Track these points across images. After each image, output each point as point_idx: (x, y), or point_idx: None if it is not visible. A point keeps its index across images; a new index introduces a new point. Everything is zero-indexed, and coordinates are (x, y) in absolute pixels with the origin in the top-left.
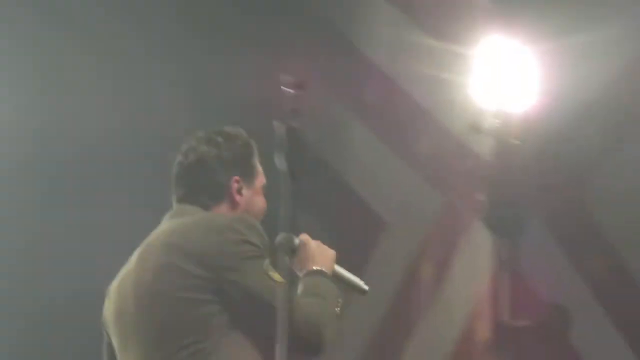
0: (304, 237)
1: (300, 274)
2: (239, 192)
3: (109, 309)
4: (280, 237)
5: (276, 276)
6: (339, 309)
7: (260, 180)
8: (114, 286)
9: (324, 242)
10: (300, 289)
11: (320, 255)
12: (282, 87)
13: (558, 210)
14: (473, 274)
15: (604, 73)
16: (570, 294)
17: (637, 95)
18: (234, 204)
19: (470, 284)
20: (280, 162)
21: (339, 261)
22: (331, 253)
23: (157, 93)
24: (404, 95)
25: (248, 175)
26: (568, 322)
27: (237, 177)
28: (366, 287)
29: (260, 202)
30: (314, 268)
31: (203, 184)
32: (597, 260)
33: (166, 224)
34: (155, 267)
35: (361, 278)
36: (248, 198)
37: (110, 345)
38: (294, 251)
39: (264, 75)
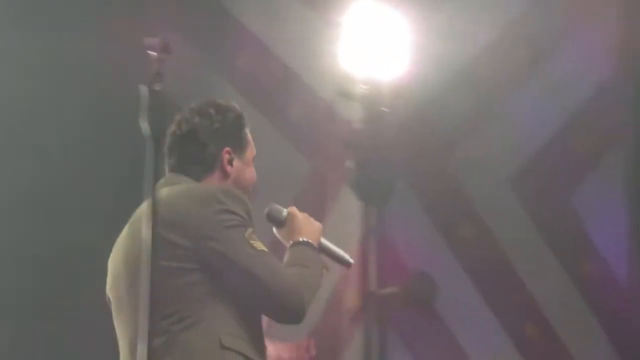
0: (292, 209)
1: (287, 245)
2: (230, 163)
3: (108, 278)
4: (268, 209)
5: (258, 244)
6: (319, 279)
7: (251, 151)
8: (112, 255)
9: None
10: (286, 258)
11: (307, 227)
12: (146, 50)
13: (425, 177)
14: (340, 240)
15: (475, 40)
16: (436, 260)
17: (507, 62)
18: (225, 175)
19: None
20: (144, 125)
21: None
22: (317, 226)
23: (20, 62)
24: (274, 60)
25: (239, 146)
26: (433, 289)
27: (228, 149)
28: (351, 260)
29: (250, 174)
30: (301, 239)
31: (194, 155)
32: (463, 227)
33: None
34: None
35: None
36: (239, 169)
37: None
38: (281, 222)
39: (130, 39)
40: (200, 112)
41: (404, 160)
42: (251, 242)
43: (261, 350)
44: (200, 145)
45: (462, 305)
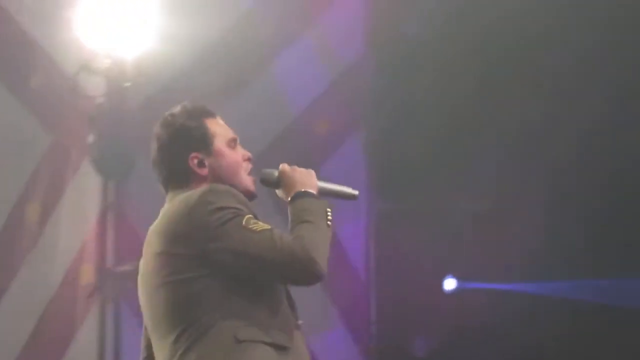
0: (282, 166)
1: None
2: (201, 165)
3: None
4: (260, 175)
5: (258, 226)
6: (330, 221)
7: (221, 139)
8: None
9: None
10: (290, 217)
11: (300, 177)
12: None
13: None
14: (79, 216)
15: (222, 21)
16: None
17: (252, 44)
18: (202, 179)
19: (76, 226)
20: None
21: None
22: (309, 172)
23: None
24: (17, 29)
25: (202, 145)
26: None
27: (193, 154)
28: (356, 192)
29: (227, 163)
30: (296, 191)
31: (170, 172)
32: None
33: (161, 212)
34: (153, 256)
35: None
36: (214, 165)
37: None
38: (276, 183)
39: None
40: (162, 124)
41: (146, 137)
42: (250, 227)
43: (284, 331)
44: (169, 162)
45: None
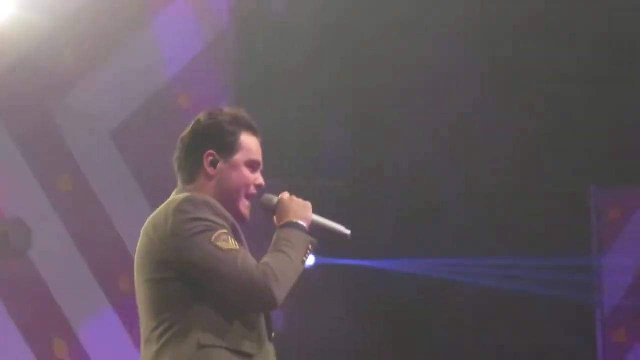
0: (283, 195)
1: None
2: (213, 165)
3: None
4: (261, 199)
5: (226, 244)
6: (307, 257)
7: (244, 156)
8: None
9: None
10: (272, 244)
11: (295, 207)
12: None
13: (27, 124)
14: None
15: None
16: (34, 209)
17: (111, 20)
18: (208, 177)
19: None
20: None
21: None
22: (306, 205)
23: None
24: None
25: (226, 148)
26: (28, 238)
27: (210, 151)
28: (347, 232)
29: (236, 177)
30: (286, 221)
31: (183, 161)
32: (62, 178)
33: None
34: (139, 251)
35: None
36: (224, 172)
37: None
38: (273, 210)
39: None
40: (197, 118)
41: (5, 106)
42: (218, 243)
43: (251, 340)
44: (187, 151)
45: (58, 256)
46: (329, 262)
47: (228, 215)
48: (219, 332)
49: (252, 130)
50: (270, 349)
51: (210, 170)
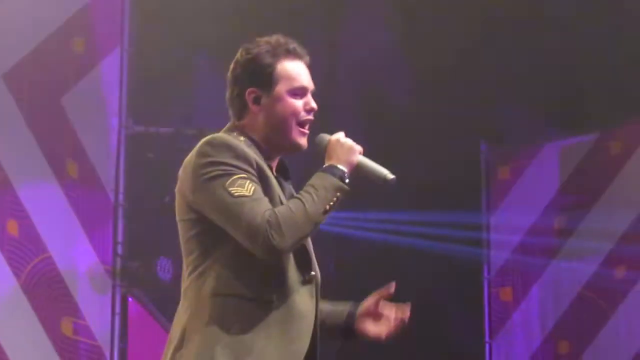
0: (336, 135)
1: None
2: (257, 102)
3: None
4: (316, 138)
5: (241, 189)
6: (332, 204)
7: (284, 84)
8: None
9: None
10: None
11: (340, 150)
12: None
13: None
14: None
15: None
16: None
17: None
18: (254, 116)
19: None
20: None
21: None
22: (349, 147)
23: None
24: None
25: (265, 83)
26: None
27: (251, 89)
28: (392, 176)
29: (281, 109)
30: (329, 164)
31: (230, 101)
32: None
33: None
34: (176, 190)
35: None
36: (268, 106)
37: None
38: (324, 150)
39: None
40: (237, 55)
41: None
42: (230, 189)
43: (273, 285)
44: (231, 90)
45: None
46: None
47: (251, 157)
48: (235, 277)
49: (293, 55)
50: (303, 291)
51: (254, 107)
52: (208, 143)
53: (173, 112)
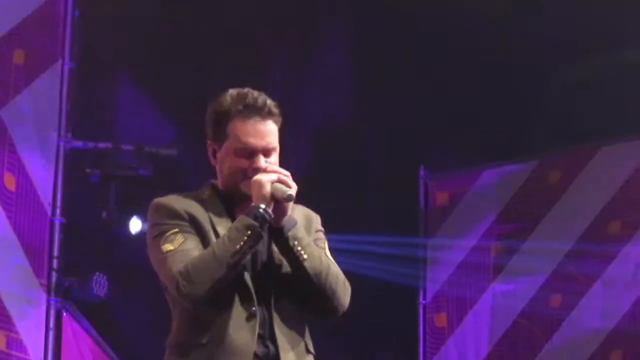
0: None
1: None
2: (214, 155)
3: None
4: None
5: (170, 245)
6: (246, 243)
7: (231, 142)
8: None
9: None
10: None
11: (253, 189)
12: None
13: None
14: None
15: None
16: None
17: None
18: (216, 166)
19: None
20: None
21: None
22: (258, 183)
23: None
24: None
25: (217, 137)
26: None
27: (209, 141)
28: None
29: (228, 166)
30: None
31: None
32: None
33: None
34: None
35: None
36: (220, 161)
37: None
38: None
39: None
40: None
41: None
42: (163, 246)
43: (211, 327)
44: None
45: None
46: None
47: (181, 211)
48: (184, 326)
49: (248, 112)
50: (244, 327)
51: (213, 160)
52: (151, 206)
53: (112, 127)
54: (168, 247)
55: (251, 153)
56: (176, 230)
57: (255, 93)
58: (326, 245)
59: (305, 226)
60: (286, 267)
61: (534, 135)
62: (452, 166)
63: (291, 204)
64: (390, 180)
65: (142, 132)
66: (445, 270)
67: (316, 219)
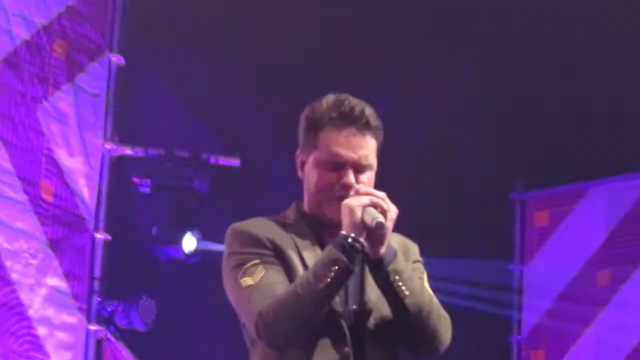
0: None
1: None
2: (301, 167)
3: None
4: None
5: (250, 279)
6: (330, 279)
7: (321, 153)
8: None
9: None
10: None
11: (343, 215)
12: None
13: None
14: None
15: None
16: None
17: None
18: (304, 181)
19: None
20: None
21: None
22: (347, 208)
23: None
24: None
25: (306, 147)
26: None
27: (298, 152)
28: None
29: (314, 179)
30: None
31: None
32: None
33: None
34: None
35: None
36: (307, 173)
37: None
38: None
39: None
40: None
41: None
42: (242, 280)
43: None
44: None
45: None
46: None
47: (263, 239)
48: None
49: (341, 121)
50: None
51: (300, 173)
52: (228, 232)
53: (165, 132)
54: (248, 281)
55: (340, 166)
56: (257, 261)
57: (354, 101)
58: (425, 277)
59: (403, 255)
60: (383, 303)
61: None
62: (553, 181)
63: (389, 231)
64: (482, 197)
65: (198, 138)
66: (543, 302)
67: (414, 248)
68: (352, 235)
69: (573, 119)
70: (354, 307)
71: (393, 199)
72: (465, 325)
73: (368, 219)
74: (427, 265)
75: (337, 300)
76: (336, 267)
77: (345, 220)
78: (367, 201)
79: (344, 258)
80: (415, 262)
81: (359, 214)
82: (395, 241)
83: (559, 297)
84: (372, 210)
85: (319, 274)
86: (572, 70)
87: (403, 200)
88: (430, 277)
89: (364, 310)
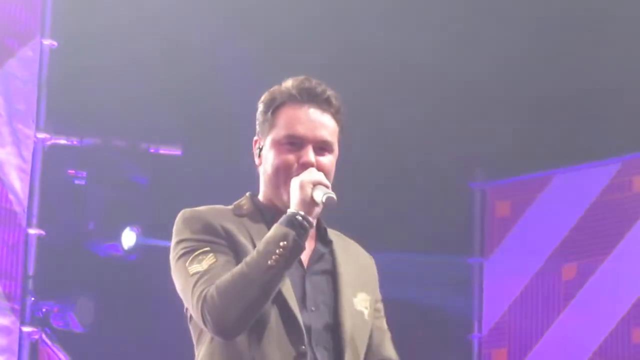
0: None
1: None
2: (259, 154)
3: None
4: None
5: (198, 266)
6: (278, 257)
7: (278, 132)
8: None
9: None
10: None
11: (292, 191)
12: None
13: None
14: None
15: None
16: None
17: None
18: (260, 170)
19: None
20: None
21: None
22: (298, 184)
23: None
24: None
25: (262, 131)
26: None
27: (255, 138)
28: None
29: (272, 159)
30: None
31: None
32: None
33: None
34: None
35: None
36: (265, 157)
37: None
38: None
39: None
40: None
41: None
42: (189, 267)
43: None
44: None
45: None
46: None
47: (216, 226)
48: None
49: (300, 98)
50: None
51: (256, 160)
52: (177, 219)
53: (102, 120)
54: (196, 268)
55: (300, 145)
56: (207, 248)
57: (315, 81)
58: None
59: (360, 271)
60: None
61: (614, 134)
62: (515, 170)
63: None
64: (437, 187)
65: (139, 126)
66: (505, 298)
67: (372, 267)
68: (302, 212)
69: (536, 105)
70: (312, 308)
71: (345, 190)
72: (423, 323)
73: (318, 196)
74: (381, 260)
75: (295, 300)
76: (284, 243)
77: (295, 196)
78: (318, 178)
79: (292, 232)
80: (378, 301)
81: (309, 190)
82: (351, 252)
83: (522, 292)
84: (322, 187)
85: (267, 250)
86: (535, 58)
87: (356, 190)
88: (385, 273)
89: (320, 311)
